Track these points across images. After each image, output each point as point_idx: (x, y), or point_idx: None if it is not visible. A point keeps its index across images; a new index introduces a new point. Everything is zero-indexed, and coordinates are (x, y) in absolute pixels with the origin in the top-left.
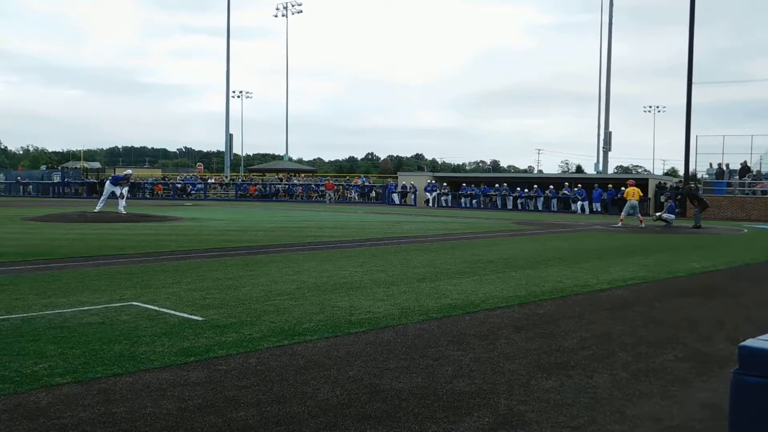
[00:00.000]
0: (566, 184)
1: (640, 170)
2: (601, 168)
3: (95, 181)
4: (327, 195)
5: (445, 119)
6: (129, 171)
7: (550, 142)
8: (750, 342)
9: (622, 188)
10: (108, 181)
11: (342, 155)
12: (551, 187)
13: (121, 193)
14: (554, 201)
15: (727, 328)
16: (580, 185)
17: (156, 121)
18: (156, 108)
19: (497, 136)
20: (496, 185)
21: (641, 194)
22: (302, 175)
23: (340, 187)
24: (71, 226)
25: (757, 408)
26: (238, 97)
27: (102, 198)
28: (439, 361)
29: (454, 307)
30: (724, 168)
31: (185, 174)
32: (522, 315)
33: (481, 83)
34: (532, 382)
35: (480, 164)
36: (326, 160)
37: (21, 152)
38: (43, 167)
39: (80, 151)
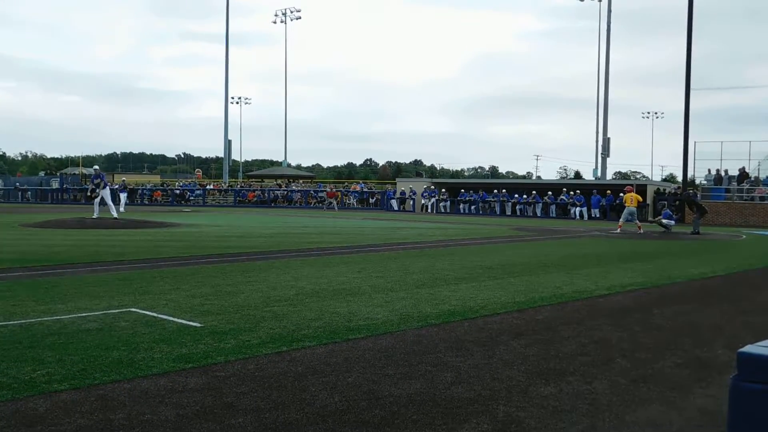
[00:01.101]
0: (564, 189)
1: (638, 176)
2: (599, 174)
3: (94, 187)
4: (327, 201)
5: (443, 125)
6: (96, 167)
7: (548, 148)
8: (749, 348)
9: (621, 194)
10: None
11: (340, 161)
12: (549, 193)
13: (118, 197)
14: (553, 207)
15: (726, 334)
16: (578, 191)
17: (155, 127)
18: (155, 114)
19: (496, 142)
20: (495, 191)
21: (640, 200)
22: (301, 181)
23: (339, 193)
24: (69, 232)
25: (757, 415)
26: (237, 103)
27: (97, 203)
28: (437, 368)
29: (453, 313)
30: (723, 174)
31: (184, 180)
32: (521, 321)
33: (480, 89)
34: (531, 388)
35: (479, 170)
36: (325, 166)
37: (20, 158)
38: (42, 173)
39: (79, 157)
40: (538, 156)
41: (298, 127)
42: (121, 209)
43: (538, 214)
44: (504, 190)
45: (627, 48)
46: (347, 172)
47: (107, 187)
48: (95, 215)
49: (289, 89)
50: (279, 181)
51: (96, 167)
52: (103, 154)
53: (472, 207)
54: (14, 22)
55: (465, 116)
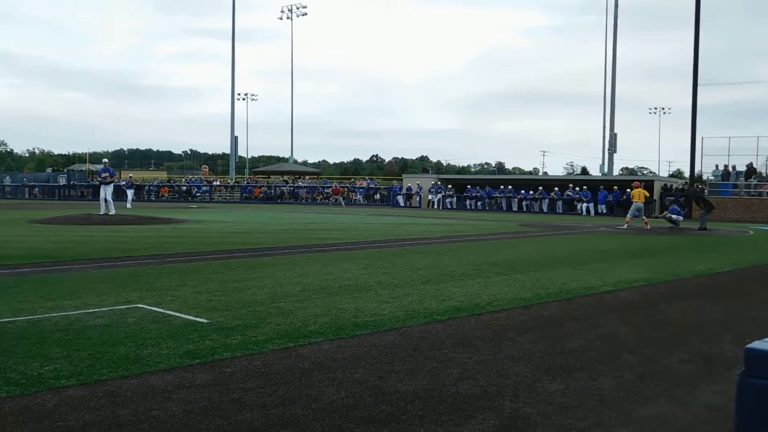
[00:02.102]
0: (571, 185)
1: (645, 172)
2: (606, 170)
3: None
4: (334, 198)
5: (449, 121)
6: (105, 160)
7: (555, 144)
8: (756, 344)
9: (628, 190)
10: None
11: (347, 157)
12: (556, 188)
13: (125, 194)
14: (559, 203)
15: (733, 330)
16: (585, 187)
17: (160, 123)
18: (160, 110)
19: (502, 138)
20: (501, 187)
21: (647, 196)
22: (307, 177)
23: (345, 189)
24: (77, 228)
25: (764, 410)
26: (243, 99)
27: (102, 200)
28: (444, 364)
29: (459, 309)
30: (730, 169)
31: (190, 176)
32: (527, 317)
33: (485, 85)
34: (538, 384)
35: (485, 166)
36: (331, 162)
37: (27, 155)
38: (49, 170)
39: (86, 153)
40: (544, 152)
41: (304, 124)
42: (128, 206)
43: (545, 210)
44: (510, 186)
45: (633, 43)
46: (353, 168)
47: (111, 185)
48: (102, 212)
49: (296, 86)
50: (285, 178)
51: (105, 160)
52: (109, 151)
53: (479, 203)
54: (18, 20)
55: (471, 112)
